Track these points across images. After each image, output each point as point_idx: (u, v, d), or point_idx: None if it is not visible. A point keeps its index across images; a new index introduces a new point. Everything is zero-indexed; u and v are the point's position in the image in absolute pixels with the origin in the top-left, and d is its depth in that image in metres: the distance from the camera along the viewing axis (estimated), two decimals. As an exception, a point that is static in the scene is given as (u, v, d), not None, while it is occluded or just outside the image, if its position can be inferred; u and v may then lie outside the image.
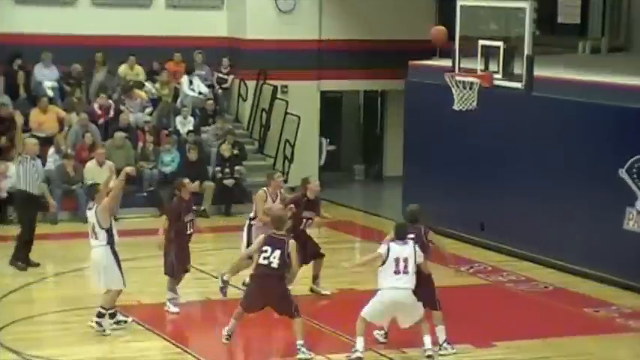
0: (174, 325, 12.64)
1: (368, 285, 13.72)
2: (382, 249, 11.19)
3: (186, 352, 11.50)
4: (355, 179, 23.44)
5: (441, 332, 11.55)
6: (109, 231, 11.90)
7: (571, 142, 15.57)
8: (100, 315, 11.78)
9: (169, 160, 19.55)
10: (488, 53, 13.80)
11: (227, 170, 19.56)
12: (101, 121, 19.85)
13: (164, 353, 11.53)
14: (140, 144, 19.65)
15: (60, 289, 14.04)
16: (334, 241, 17.54)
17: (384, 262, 11.09)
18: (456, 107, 14.19)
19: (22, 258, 14.91)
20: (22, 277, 14.85)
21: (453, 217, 17.58)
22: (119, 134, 19.31)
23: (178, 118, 20.50)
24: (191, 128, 20.27)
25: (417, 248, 11.28)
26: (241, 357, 11.74)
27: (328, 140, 22.74)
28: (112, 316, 12.00)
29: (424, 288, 11.38)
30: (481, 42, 13.83)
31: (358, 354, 11.19)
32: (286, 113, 21.10)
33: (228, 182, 19.46)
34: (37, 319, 12.63)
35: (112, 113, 19.98)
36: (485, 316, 13.29)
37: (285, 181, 20.72)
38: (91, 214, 12.00)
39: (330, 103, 22.90)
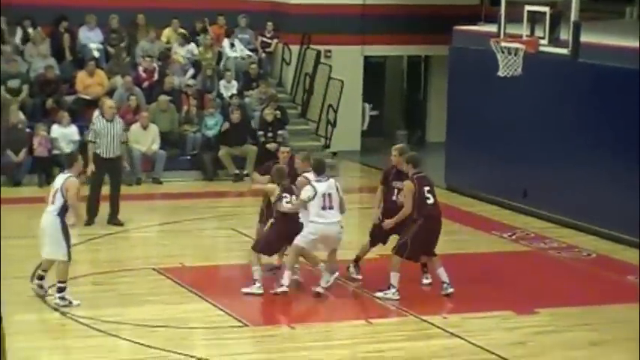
0: (217, 288, 12.74)
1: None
2: (309, 190, 11.96)
3: (229, 314, 11.60)
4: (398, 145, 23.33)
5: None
6: (65, 203, 11.50)
7: (616, 109, 15.41)
8: (61, 290, 11.61)
9: (213, 124, 19.64)
10: (534, 19, 13.68)
11: (270, 134, 19.61)
12: (145, 84, 19.96)
13: (206, 315, 11.65)
14: (184, 108, 19.74)
15: (107, 250, 14.20)
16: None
17: (312, 198, 11.88)
18: (500, 73, 14.10)
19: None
20: (72, 238, 15.04)
21: (495, 184, 17.52)
22: (163, 97, 19.41)
23: (222, 82, 20.56)
24: (234, 92, 20.32)
25: (337, 184, 12.17)
26: (283, 319, 11.82)
27: (371, 105, 22.70)
28: (60, 290, 11.64)
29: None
30: (527, 7, 13.70)
31: (284, 288, 11.99)
32: (329, 78, 21.07)
33: (271, 146, 19.50)
34: (82, 280, 12.79)
35: (156, 76, 20.08)
36: (527, 283, 13.27)
37: (328, 146, 20.80)
38: (60, 180, 11.60)
39: (373, 68, 22.84)
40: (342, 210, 12.15)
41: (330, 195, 12.01)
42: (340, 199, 12.18)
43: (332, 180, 12.21)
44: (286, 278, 11.97)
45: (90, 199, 15.17)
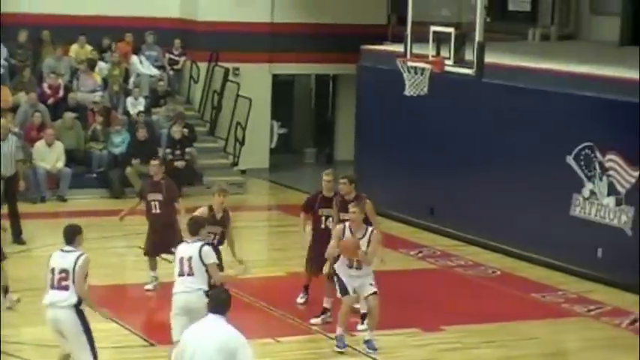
0: (124, 307, 12.57)
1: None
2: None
3: (135, 333, 11.47)
4: (306, 162, 23.46)
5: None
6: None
7: (520, 128, 15.72)
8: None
9: (119, 142, 19.43)
10: (440, 39, 13.87)
11: (178, 152, 19.48)
12: (51, 101, 19.66)
13: (113, 335, 11.47)
14: (91, 125, 19.48)
15: (7, 270, 13.90)
16: (284, 224, 17.60)
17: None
18: (407, 92, 14.25)
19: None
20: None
21: (402, 202, 17.69)
22: (69, 114, 19.14)
23: (129, 99, 20.36)
24: (142, 109, 20.15)
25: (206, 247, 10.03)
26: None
27: (280, 123, 22.74)
28: None
29: None
30: (433, 28, 13.89)
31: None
32: (238, 96, 21.05)
33: (179, 164, 19.38)
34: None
35: (61, 93, 19.80)
36: (434, 300, 13.40)
37: (236, 164, 20.75)
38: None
39: (281, 86, 22.88)
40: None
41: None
42: None
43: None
44: None
45: None
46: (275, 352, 11.23)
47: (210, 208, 11.71)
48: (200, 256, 9.89)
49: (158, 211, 12.99)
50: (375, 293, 11.02)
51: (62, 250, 9.39)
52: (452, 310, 12.91)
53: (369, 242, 10.97)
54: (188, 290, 9.81)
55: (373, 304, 11.04)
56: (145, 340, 11.30)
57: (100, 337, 11.23)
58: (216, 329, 7.22)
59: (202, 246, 9.94)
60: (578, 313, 13.15)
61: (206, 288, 9.82)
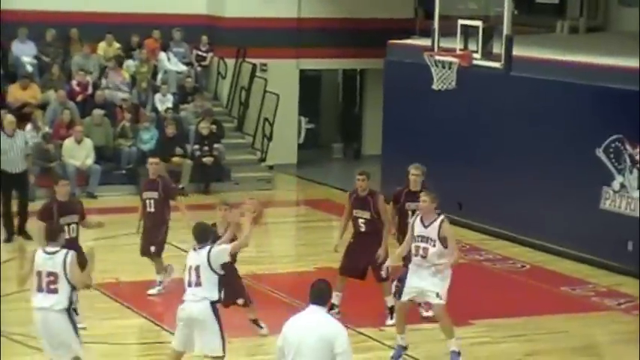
0: (152, 303, 12.64)
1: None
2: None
3: (165, 329, 11.51)
4: (333, 158, 23.47)
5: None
6: None
7: (549, 121, 15.65)
8: None
9: (148, 138, 19.51)
10: (467, 33, 13.83)
11: (206, 148, 19.54)
12: (79, 98, 19.78)
13: (142, 330, 11.54)
14: (119, 122, 19.59)
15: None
16: (312, 219, 17.62)
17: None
18: (435, 87, 14.23)
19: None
20: (1, 254, 14.83)
21: (431, 196, 17.61)
22: (97, 112, 19.25)
23: (157, 96, 20.44)
24: (170, 105, 20.22)
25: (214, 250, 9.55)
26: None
27: (307, 119, 22.75)
28: None
29: None
30: (460, 21, 13.85)
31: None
32: (265, 91, 21.07)
33: (207, 160, 19.44)
34: (14, 297, 12.57)
35: (90, 90, 19.92)
36: (462, 294, 13.32)
37: (264, 160, 20.79)
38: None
39: (309, 82, 22.90)
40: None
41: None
42: None
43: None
44: None
45: (3, 216, 15.13)
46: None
47: (214, 225, 10.96)
48: (209, 262, 9.37)
49: (152, 209, 12.81)
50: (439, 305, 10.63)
51: (45, 252, 9.12)
52: (480, 304, 12.88)
53: (439, 230, 10.63)
54: (194, 300, 9.37)
55: (438, 314, 10.74)
56: (174, 334, 11.32)
57: (130, 334, 11.36)
58: (317, 320, 7.27)
59: (210, 250, 9.42)
60: (608, 306, 13.08)
61: (215, 298, 9.42)
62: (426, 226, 10.68)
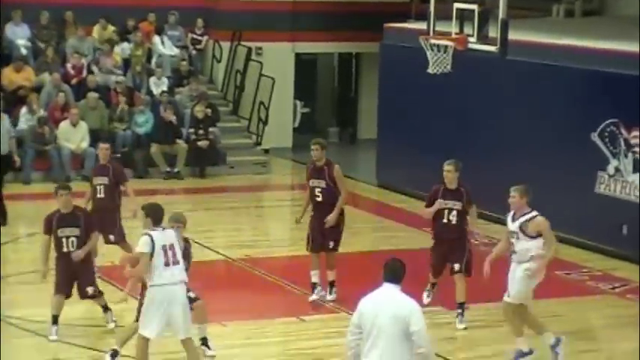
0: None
1: (345, 247, 13.79)
2: (144, 244, 9.29)
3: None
4: (329, 142, 23.35)
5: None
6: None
7: (544, 105, 15.65)
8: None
9: (143, 121, 19.48)
10: (463, 16, 13.80)
11: (201, 132, 19.52)
12: (74, 81, 19.73)
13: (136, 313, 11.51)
14: (114, 105, 19.54)
15: (33, 249, 13.98)
16: (308, 203, 17.58)
17: (151, 256, 9.25)
18: (430, 70, 14.20)
19: None
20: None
21: (426, 180, 17.58)
22: (92, 95, 19.21)
23: (152, 79, 20.40)
24: (165, 89, 20.18)
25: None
26: (214, 317, 11.78)
27: (302, 102, 22.72)
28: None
29: None
30: (456, 5, 13.82)
31: None
32: (260, 75, 21.04)
33: (202, 144, 19.42)
34: (11, 280, 12.61)
35: (85, 73, 19.86)
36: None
37: (259, 144, 20.77)
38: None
39: (304, 65, 22.86)
40: None
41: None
42: None
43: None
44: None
45: None
46: (299, 330, 11.27)
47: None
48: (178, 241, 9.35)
49: (102, 195, 12.59)
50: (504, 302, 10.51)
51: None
52: (476, 288, 12.89)
53: (527, 226, 10.35)
54: (174, 281, 9.21)
55: (503, 311, 10.63)
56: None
57: (125, 316, 11.32)
58: (391, 297, 7.40)
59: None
60: (603, 290, 13.12)
61: (187, 279, 9.38)
62: (514, 221, 10.54)
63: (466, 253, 11.61)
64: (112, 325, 10.97)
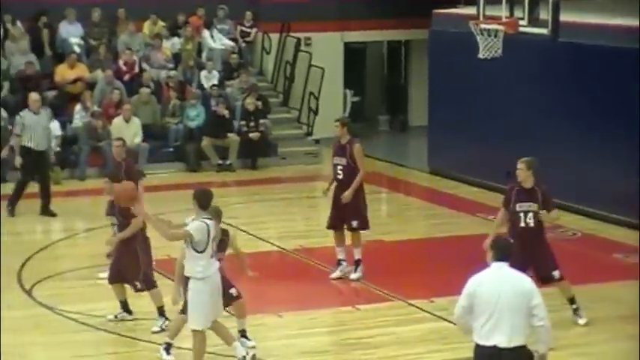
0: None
1: (397, 235, 13.85)
2: (200, 230, 9.27)
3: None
4: (380, 130, 23.42)
5: None
6: None
7: (597, 88, 15.45)
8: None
9: (195, 115, 19.60)
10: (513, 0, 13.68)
11: (252, 124, 19.59)
12: (126, 77, 19.90)
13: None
14: (166, 99, 19.68)
15: (90, 245, 14.16)
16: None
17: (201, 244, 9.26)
18: (481, 55, 14.10)
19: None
20: (53, 234, 15.05)
21: (478, 166, 17.54)
22: (145, 90, 19.36)
23: (203, 73, 20.51)
24: (215, 82, 20.28)
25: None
26: (270, 307, 11.83)
27: (352, 92, 22.70)
28: None
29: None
30: (505, -12, 13.71)
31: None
32: (310, 65, 21.05)
33: (254, 136, 19.49)
34: (69, 275, 12.77)
35: (136, 69, 20.03)
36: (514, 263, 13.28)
37: (310, 134, 20.78)
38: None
39: (353, 54, 22.82)
40: None
41: None
42: None
43: None
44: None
45: (17, 189, 15.39)
46: (355, 319, 11.27)
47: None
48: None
49: None
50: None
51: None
52: (531, 273, 12.78)
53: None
54: (217, 272, 9.32)
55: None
56: (225, 310, 11.40)
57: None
58: (509, 275, 7.43)
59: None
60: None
61: None
62: None
63: (550, 262, 10.76)
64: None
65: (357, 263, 12.30)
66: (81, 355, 10.27)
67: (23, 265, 13.04)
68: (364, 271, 12.40)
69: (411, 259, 13.40)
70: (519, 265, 8.49)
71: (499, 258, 7.46)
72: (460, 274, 12.13)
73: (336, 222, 12.25)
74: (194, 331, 9.39)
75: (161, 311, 10.82)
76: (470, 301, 7.40)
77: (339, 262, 12.33)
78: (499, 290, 7.32)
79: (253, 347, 10.11)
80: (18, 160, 15.28)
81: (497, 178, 17.18)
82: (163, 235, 9.34)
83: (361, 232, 12.31)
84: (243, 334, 10.25)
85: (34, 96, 15.89)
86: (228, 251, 10.17)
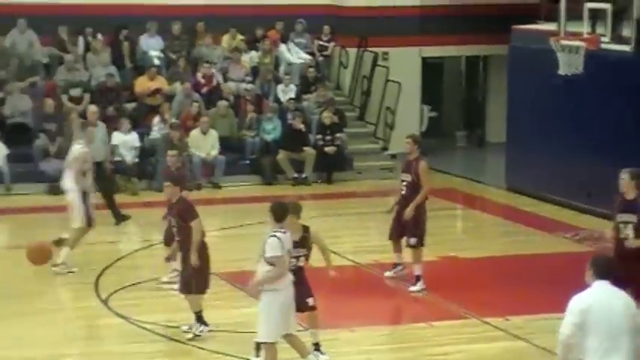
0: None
1: (472, 252, 13.71)
2: (276, 247, 9.30)
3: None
4: (457, 146, 23.26)
5: None
6: None
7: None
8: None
9: (271, 129, 19.69)
10: (595, 16, 13.50)
11: (328, 138, 19.61)
12: (204, 90, 20.08)
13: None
14: (243, 113, 19.81)
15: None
16: (436, 208, 17.44)
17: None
18: (561, 72, 13.96)
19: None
20: (130, 244, 15.22)
21: (557, 184, 17.30)
22: (223, 103, 19.52)
23: (280, 86, 20.60)
24: (292, 96, 20.35)
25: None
26: (343, 322, 11.78)
27: (430, 107, 22.59)
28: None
29: None
30: (588, 4, 13.54)
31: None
32: (387, 80, 21.02)
33: (329, 150, 19.50)
34: (145, 285, 12.88)
35: (215, 82, 20.20)
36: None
37: (386, 149, 20.73)
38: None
39: (431, 69, 22.73)
40: None
41: None
42: None
43: None
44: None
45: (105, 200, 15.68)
46: (429, 336, 11.18)
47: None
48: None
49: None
50: None
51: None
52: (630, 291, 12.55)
53: None
54: (290, 285, 9.38)
55: None
56: (298, 324, 11.41)
57: (256, 322, 11.43)
58: (615, 294, 7.33)
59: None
60: None
61: None
62: None
63: None
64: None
65: (417, 278, 12.47)
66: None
67: (100, 274, 13.20)
68: (437, 287, 12.30)
69: (485, 276, 13.26)
70: (620, 281, 7.83)
71: (602, 276, 7.32)
72: (536, 293, 12.00)
73: (395, 235, 12.75)
74: (264, 343, 9.38)
75: (198, 317, 10.89)
76: (583, 317, 7.19)
77: (395, 265, 12.79)
78: (611, 312, 7.17)
79: None
80: None
81: (575, 196, 16.95)
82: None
83: (422, 248, 12.50)
84: (317, 347, 10.22)
85: (92, 108, 16.22)
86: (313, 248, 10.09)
